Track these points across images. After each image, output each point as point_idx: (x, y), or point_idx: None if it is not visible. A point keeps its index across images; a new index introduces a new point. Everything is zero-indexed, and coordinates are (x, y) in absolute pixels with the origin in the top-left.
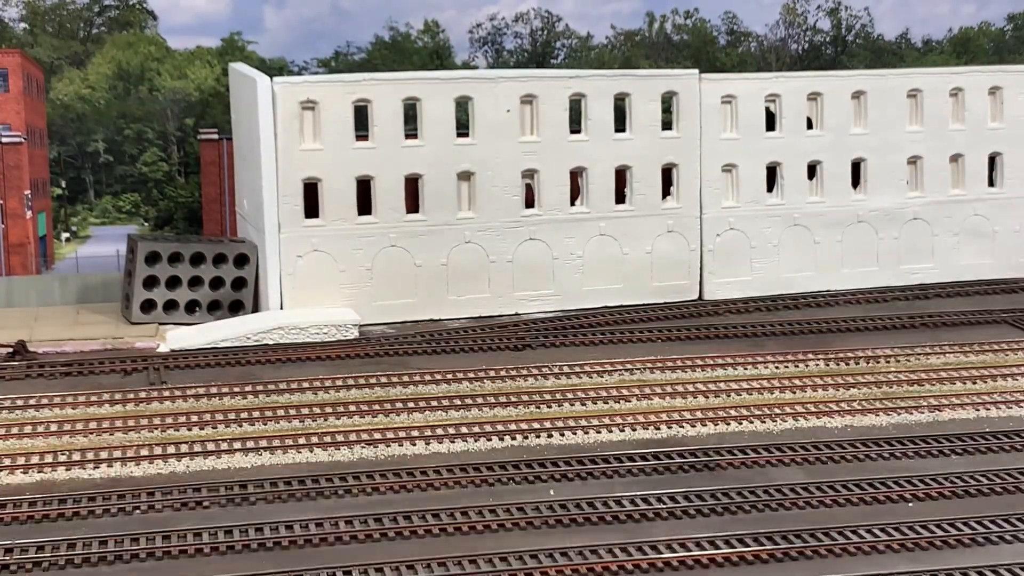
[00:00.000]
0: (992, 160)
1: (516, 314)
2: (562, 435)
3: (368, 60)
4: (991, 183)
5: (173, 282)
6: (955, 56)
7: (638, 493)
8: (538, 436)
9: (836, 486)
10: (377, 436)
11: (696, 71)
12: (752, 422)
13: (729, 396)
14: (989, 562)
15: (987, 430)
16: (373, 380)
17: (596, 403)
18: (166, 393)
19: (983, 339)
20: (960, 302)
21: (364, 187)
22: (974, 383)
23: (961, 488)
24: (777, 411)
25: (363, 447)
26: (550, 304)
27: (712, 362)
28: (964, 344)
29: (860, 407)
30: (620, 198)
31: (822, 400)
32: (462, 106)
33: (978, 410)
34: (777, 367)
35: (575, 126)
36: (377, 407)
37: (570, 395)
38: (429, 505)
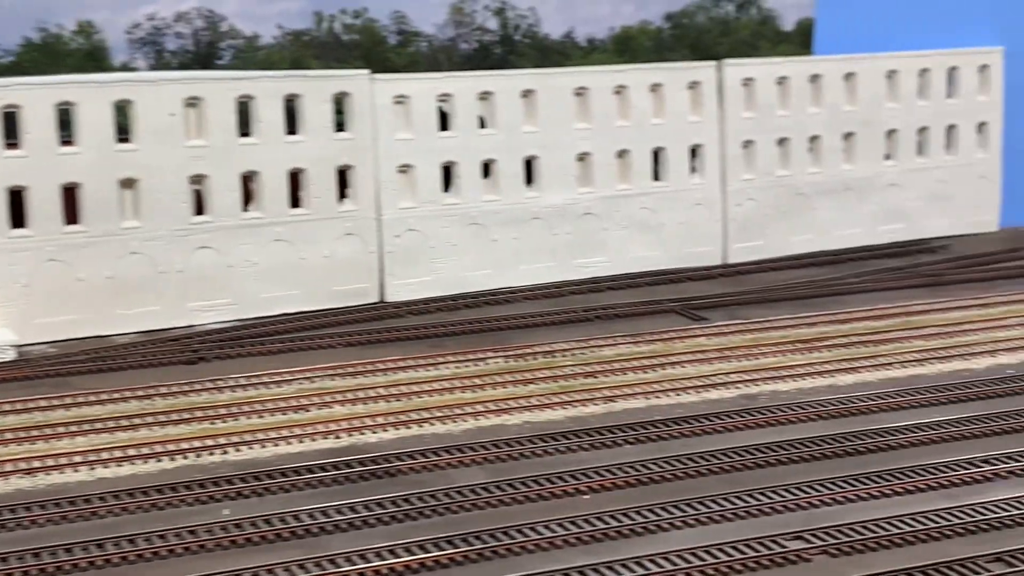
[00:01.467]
0: (656, 155)
1: (189, 326)
2: (238, 450)
3: (17, 63)
4: (656, 177)
5: None
6: (618, 54)
7: (317, 506)
8: (212, 453)
9: (515, 484)
10: (36, 464)
11: (367, 71)
12: (433, 424)
13: (411, 399)
14: (660, 549)
15: (657, 418)
16: (32, 404)
17: (274, 414)
18: None
19: (653, 329)
20: (631, 294)
21: (16, 198)
22: (645, 372)
23: (633, 477)
24: (458, 411)
25: (20, 477)
26: (225, 314)
27: (393, 365)
28: (635, 335)
29: (538, 402)
30: (295, 202)
31: (501, 398)
32: (123, 110)
33: (648, 399)
34: (458, 367)
35: (245, 129)
36: (36, 433)
37: (246, 408)
38: (93, 535)
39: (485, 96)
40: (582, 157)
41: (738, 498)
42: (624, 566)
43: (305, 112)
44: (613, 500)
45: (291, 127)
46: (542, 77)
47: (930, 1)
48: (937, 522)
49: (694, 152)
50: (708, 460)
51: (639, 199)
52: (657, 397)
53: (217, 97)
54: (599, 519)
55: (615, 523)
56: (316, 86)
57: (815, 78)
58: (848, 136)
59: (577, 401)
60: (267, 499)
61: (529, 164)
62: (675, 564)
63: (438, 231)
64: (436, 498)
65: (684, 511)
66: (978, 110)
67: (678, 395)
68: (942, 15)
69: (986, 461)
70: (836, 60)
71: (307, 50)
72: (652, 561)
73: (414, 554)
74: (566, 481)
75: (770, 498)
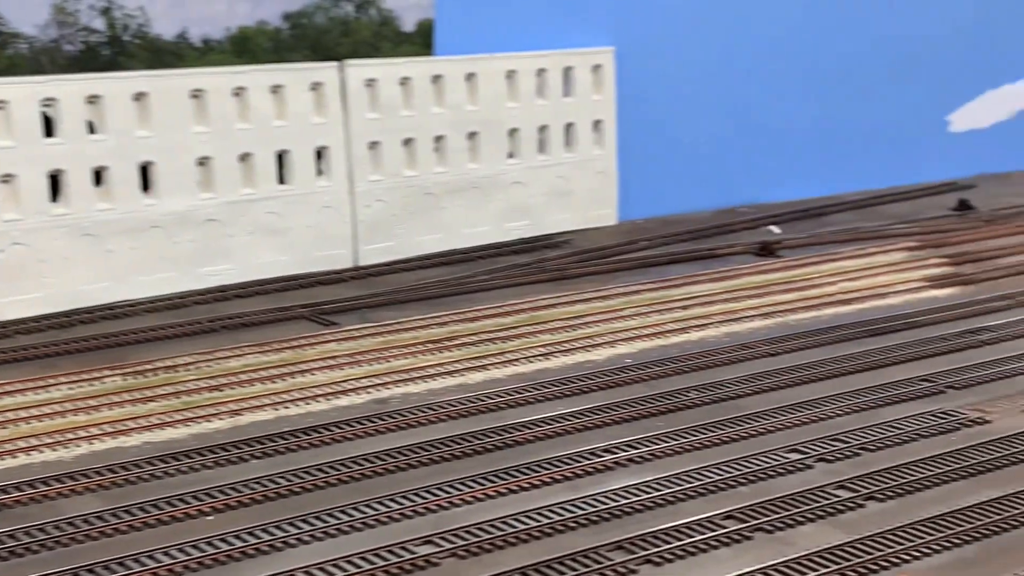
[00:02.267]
0: (280, 158)
1: None
2: None
3: None
4: (281, 181)
5: None
6: (236, 55)
7: None
8: None
9: (133, 510)
10: None
11: None
12: (42, 452)
13: (16, 426)
14: (285, 567)
15: (285, 429)
16: None
17: None
18: None
19: (282, 336)
20: (260, 301)
21: None
22: (273, 382)
23: (260, 493)
24: (70, 436)
25: None
26: None
27: None
28: (263, 344)
29: (159, 421)
30: None
31: (119, 418)
32: None
33: (277, 410)
34: (71, 388)
35: None
36: None
37: None
38: None
39: (94, 100)
40: (202, 161)
41: (367, 506)
42: None
43: None
44: (238, 519)
45: None
46: (155, 79)
47: (546, 2)
48: (561, 515)
49: (320, 154)
50: (337, 469)
51: (265, 203)
52: (286, 407)
53: None
54: (223, 540)
55: (239, 543)
56: None
57: (437, 78)
58: (472, 135)
59: (201, 417)
60: None
61: (145, 170)
62: None
63: (47, 244)
64: (45, 532)
65: (312, 524)
66: (593, 108)
67: (308, 404)
68: (557, 16)
69: (607, 450)
70: (457, 60)
71: None
72: None
73: None
74: (188, 503)
75: (400, 504)
